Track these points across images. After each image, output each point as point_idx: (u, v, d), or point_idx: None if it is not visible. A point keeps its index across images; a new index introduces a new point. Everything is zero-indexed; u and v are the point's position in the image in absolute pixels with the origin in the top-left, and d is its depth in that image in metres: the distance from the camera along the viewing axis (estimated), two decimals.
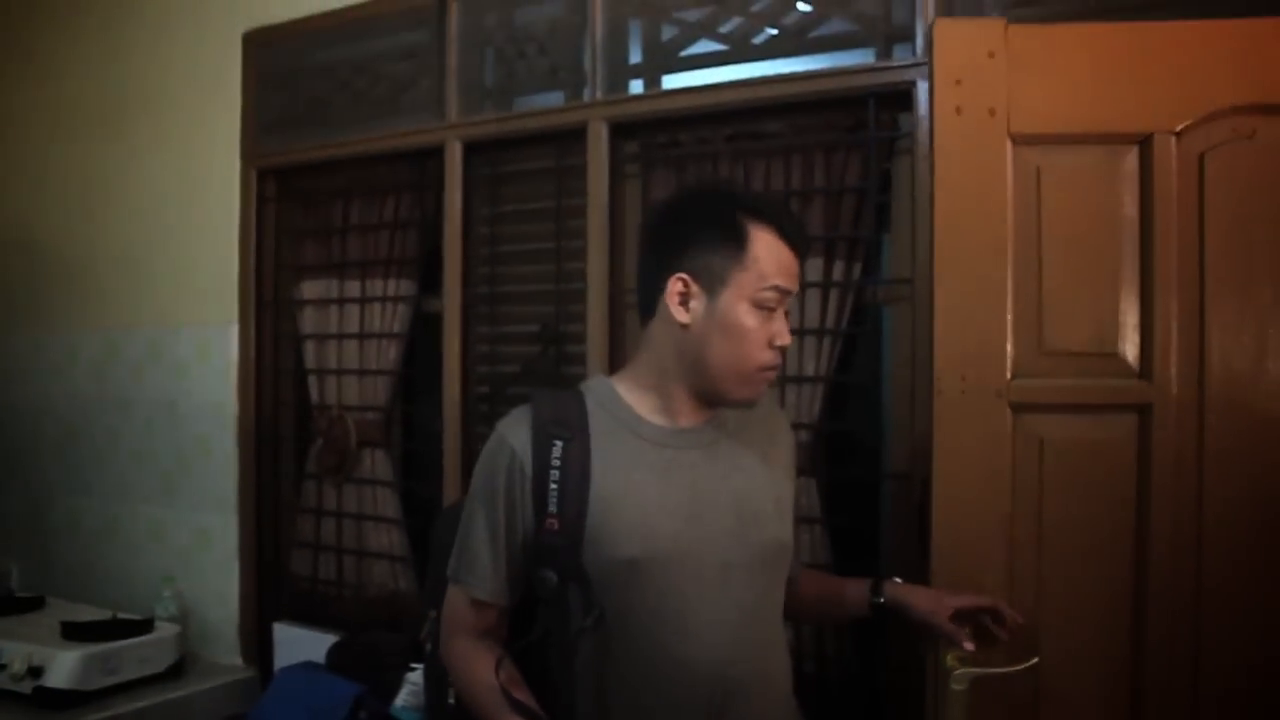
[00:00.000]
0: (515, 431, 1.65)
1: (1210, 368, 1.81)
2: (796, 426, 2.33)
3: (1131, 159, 1.84)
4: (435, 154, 2.91)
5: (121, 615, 3.18)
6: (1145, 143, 1.82)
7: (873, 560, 2.40)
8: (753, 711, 1.64)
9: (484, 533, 1.65)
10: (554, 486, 1.60)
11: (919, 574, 1.98)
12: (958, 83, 1.88)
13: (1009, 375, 1.90)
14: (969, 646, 1.76)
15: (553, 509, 1.60)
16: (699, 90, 2.54)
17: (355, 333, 3.16)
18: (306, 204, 3.28)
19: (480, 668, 1.61)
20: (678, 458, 1.65)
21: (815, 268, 2.39)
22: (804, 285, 2.35)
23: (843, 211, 2.40)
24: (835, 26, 2.43)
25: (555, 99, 2.79)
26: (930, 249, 1.93)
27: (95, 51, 3.67)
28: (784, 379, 2.39)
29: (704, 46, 2.59)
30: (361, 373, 3.15)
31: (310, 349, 3.27)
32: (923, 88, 2.20)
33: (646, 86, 2.67)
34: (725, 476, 1.67)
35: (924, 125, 2.16)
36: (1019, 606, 1.83)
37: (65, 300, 3.76)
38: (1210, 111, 1.80)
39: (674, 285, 1.60)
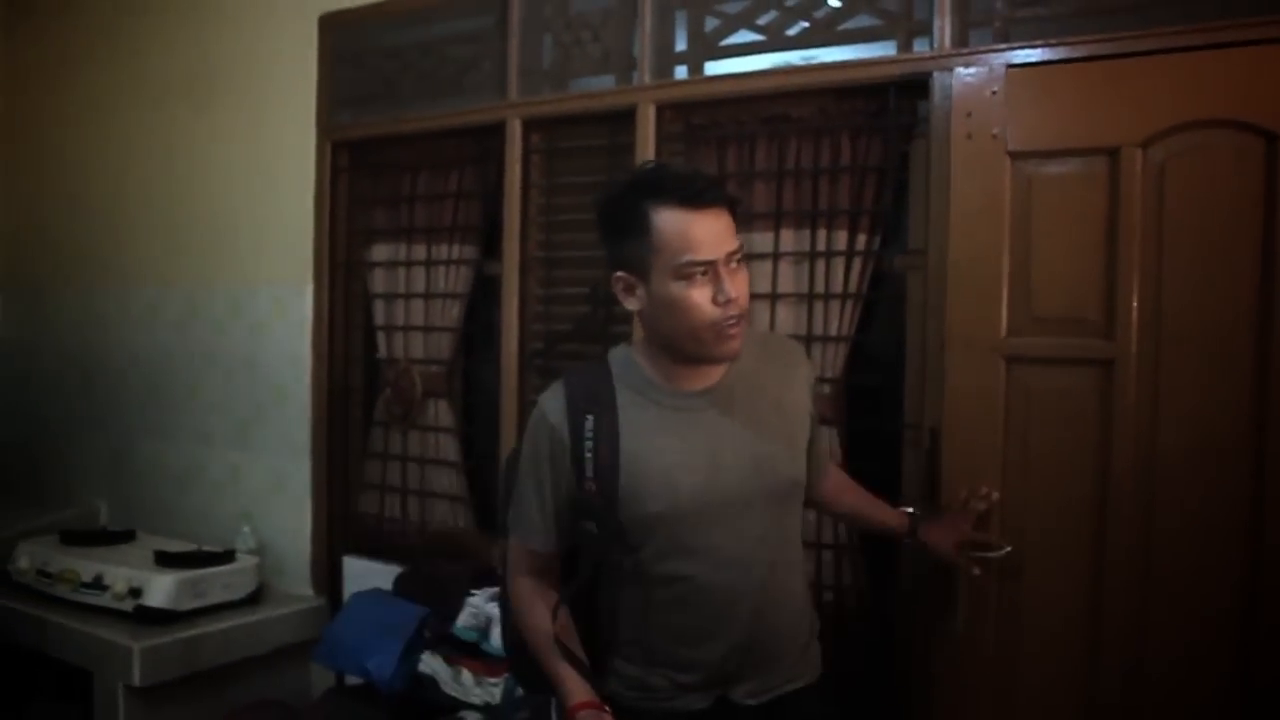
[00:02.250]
0: (553, 408, 1.82)
1: (1164, 332, 2.20)
2: (821, 380, 2.60)
3: (1103, 167, 2.25)
4: (497, 130, 3.12)
5: (205, 548, 3.49)
6: (1114, 154, 2.23)
7: (890, 499, 2.62)
8: (780, 620, 1.84)
9: (533, 495, 1.84)
10: (589, 455, 1.77)
11: (926, 506, 2.36)
12: (968, 115, 2.38)
13: (1004, 334, 2.34)
14: (976, 571, 2.22)
15: (589, 474, 1.77)
16: (738, 77, 2.75)
17: (421, 293, 3.40)
18: (377, 174, 3.51)
19: (536, 613, 1.83)
20: (696, 419, 1.80)
21: (840, 239, 2.62)
22: (830, 254, 2.61)
23: (865, 188, 2.60)
24: (861, 21, 2.61)
25: (607, 82, 3.00)
26: (945, 239, 2.39)
27: (181, 31, 3.90)
28: (810, 338, 2.63)
29: (743, 36, 2.78)
30: (427, 329, 3.39)
31: (379, 307, 3.51)
32: (939, 79, 2.42)
33: (690, 72, 2.86)
34: (741, 429, 1.81)
35: (941, 141, 2.43)
36: (1011, 511, 2.34)
37: (151, 260, 4.00)
38: (1170, 126, 2.18)
39: (616, 284, 1.78)
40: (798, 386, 1.93)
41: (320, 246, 3.54)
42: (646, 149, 2.83)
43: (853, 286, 2.63)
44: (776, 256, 2.70)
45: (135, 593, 3.19)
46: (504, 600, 2.03)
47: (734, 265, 1.72)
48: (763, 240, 2.71)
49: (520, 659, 1.98)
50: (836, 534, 2.65)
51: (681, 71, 2.89)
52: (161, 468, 3.99)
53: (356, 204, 3.56)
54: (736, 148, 2.78)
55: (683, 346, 1.76)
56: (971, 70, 2.37)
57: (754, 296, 2.61)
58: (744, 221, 2.63)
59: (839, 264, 2.63)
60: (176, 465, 3.94)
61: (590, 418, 1.79)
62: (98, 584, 3.28)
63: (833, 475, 2.19)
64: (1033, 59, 2.32)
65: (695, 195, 1.70)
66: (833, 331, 2.64)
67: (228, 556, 3.44)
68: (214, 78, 3.81)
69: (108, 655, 3.08)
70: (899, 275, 2.61)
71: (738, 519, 1.79)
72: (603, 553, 1.82)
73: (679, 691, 1.82)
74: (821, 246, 2.64)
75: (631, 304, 1.77)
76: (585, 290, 3.04)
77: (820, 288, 2.65)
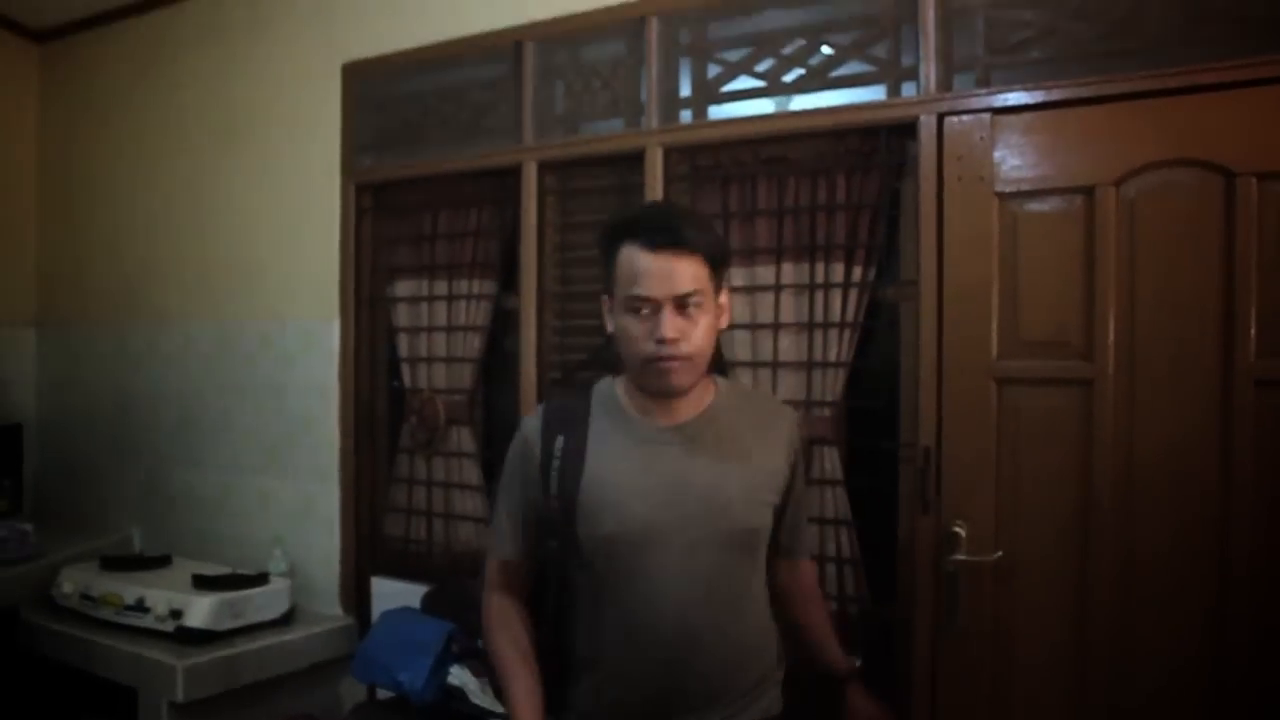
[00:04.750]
0: (530, 426, 1.96)
1: (1137, 353, 2.39)
2: (822, 404, 2.79)
3: (1081, 204, 2.46)
4: (513, 172, 3.29)
5: (239, 571, 3.65)
6: (1090, 192, 2.43)
7: (888, 513, 2.76)
8: (713, 660, 1.88)
9: (503, 506, 1.98)
10: (554, 474, 1.88)
11: (922, 514, 2.59)
12: (959, 159, 2.59)
13: (995, 357, 2.53)
14: None
15: (553, 490, 1.88)
16: (739, 121, 2.92)
17: (443, 325, 3.56)
18: (399, 214, 3.67)
19: (502, 632, 1.95)
20: (659, 452, 1.88)
21: (837, 271, 2.79)
22: (828, 285, 2.78)
23: (860, 223, 2.77)
24: (853, 67, 2.79)
25: (616, 126, 3.16)
26: (937, 271, 2.59)
27: (210, 80, 4.08)
28: (811, 364, 2.81)
29: (743, 83, 2.95)
30: (449, 360, 3.56)
31: (403, 340, 3.67)
32: (926, 122, 2.60)
33: (695, 116, 3.03)
34: (702, 470, 1.88)
35: (929, 178, 2.62)
36: (1003, 520, 2.54)
37: (182, 297, 4.17)
38: (1140, 165, 2.39)
39: (602, 306, 1.93)
40: (774, 446, 2.00)
41: (346, 283, 3.70)
42: (655, 189, 2.99)
43: (850, 315, 2.79)
44: (778, 289, 2.87)
45: (176, 614, 3.35)
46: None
47: (691, 309, 1.80)
48: (765, 273, 2.89)
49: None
50: (839, 548, 2.82)
51: (686, 116, 3.05)
52: (194, 495, 4.14)
53: (380, 242, 3.72)
54: (739, 187, 2.94)
55: (633, 375, 1.90)
56: (961, 119, 2.56)
57: (758, 326, 2.82)
58: (746, 256, 2.84)
59: (837, 294, 2.80)
60: (208, 492, 4.10)
61: (561, 438, 1.90)
62: (140, 606, 3.44)
63: (804, 572, 2.22)
64: (1010, 103, 2.51)
65: (652, 236, 1.81)
66: (832, 357, 2.81)
67: (261, 579, 3.59)
68: (242, 124, 3.98)
69: (152, 673, 3.23)
70: (892, 304, 2.77)
71: (685, 556, 1.85)
72: (560, 571, 1.93)
73: None
74: (820, 278, 2.81)
75: (609, 326, 1.90)
76: (598, 322, 3.15)
77: (820, 317, 2.82)
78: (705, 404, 1.95)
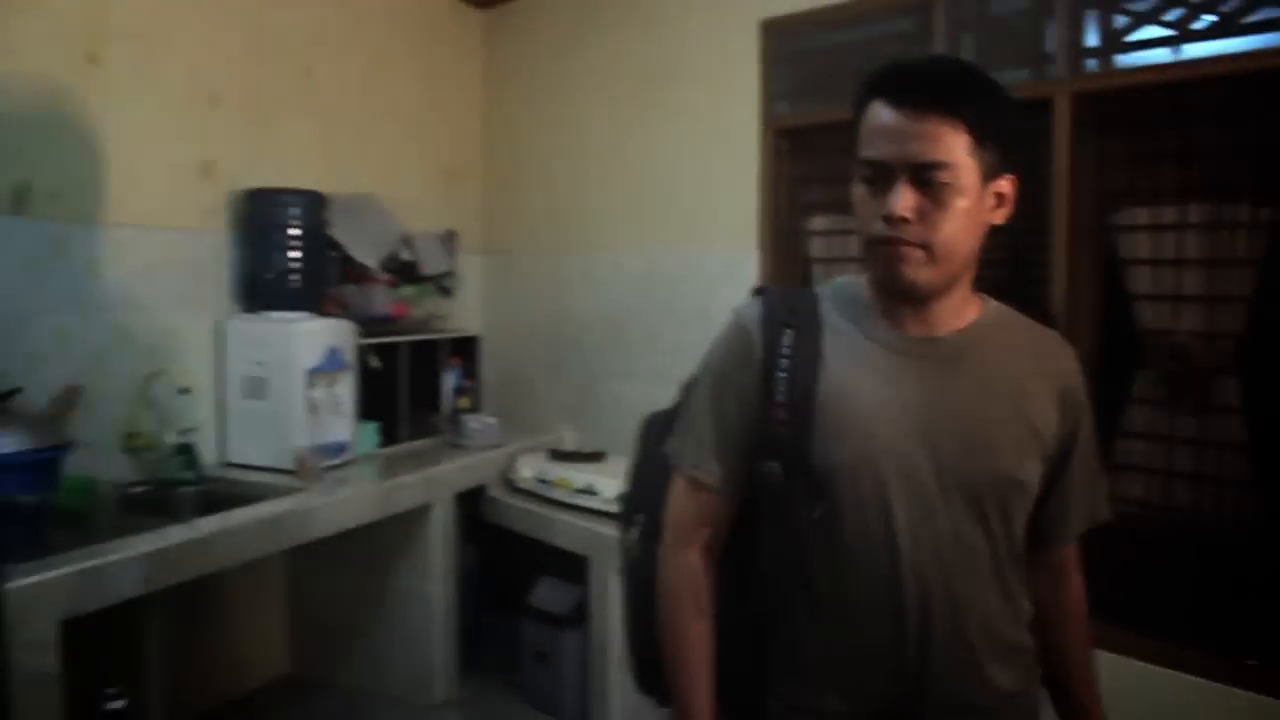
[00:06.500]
0: (750, 316, 1.58)
1: None
2: (1222, 336, 2.96)
3: None
4: None
5: None
6: None
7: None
8: (961, 658, 1.50)
9: (707, 414, 1.59)
10: (782, 375, 1.50)
11: None
12: None
13: None
14: None
15: (780, 398, 1.50)
16: (1147, 69, 3.07)
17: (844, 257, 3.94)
18: (813, 157, 4.03)
19: (685, 613, 1.58)
20: (910, 366, 1.50)
21: (1242, 211, 2.92)
22: (1233, 225, 2.91)
23: (1266, 165, 2.87)
24: (1266, 13, 2.87)
25: (1021, 75, 3.37)
26: None
27: (632, 35, 4.56)
28: (1213, 298, 2.98)
29: (1150, 31, 3.09)
30: None
31: (819, 271, 4.03)
32: None
33: (1101, 66, 3.21)
34: (963, 396, 1.49)
35: None
36: None
37: (610, 230, 4.73)
38: None
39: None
40: (1048, 391, 1.56)
41: (765, 219, 4.10)
42: (1063, 133, 3.20)
43: (1253, 252, 2.91)
44: (1181, 227, 3.03)
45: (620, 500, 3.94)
46: (631, 578, 1.80)
47: (937, 188, 1.41)
48: (1168, 213, 3.06)
49: (645, 656, 1.74)
50: (1234, 470, 3.01)
51: (1091, 65, 3.23)
52: (622, 402, 4.72)
53: (795, 182, 4.09)
54: (1144, 132, 3.09)
55: (867, 267, 1.53)
56: None
57: (1160, 263, 3.01)
58: (1150, 196, 3.01)
59: (1241, 233, 2.92)
60: (635, 400, 4.57)
61: (790, 332, 1.53)
62: (589, 490, 4.06)
63: (1069, 573, 1.72)
64: None
65: (897, 88, 1.45)
66: (1233, 292, 2.96)
67: None
68: (665, 77, 4.45)
69: (603, 545, 3.82)
70: None
71: (936, 508, 1.48)
72: (785, 504, 1.53)
73: None
74: (1225, 217, 2.95)
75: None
76: (1004, 256, 3.39)
77: (1223, 253, 2.96)
78: (968, 319, 1.55)
